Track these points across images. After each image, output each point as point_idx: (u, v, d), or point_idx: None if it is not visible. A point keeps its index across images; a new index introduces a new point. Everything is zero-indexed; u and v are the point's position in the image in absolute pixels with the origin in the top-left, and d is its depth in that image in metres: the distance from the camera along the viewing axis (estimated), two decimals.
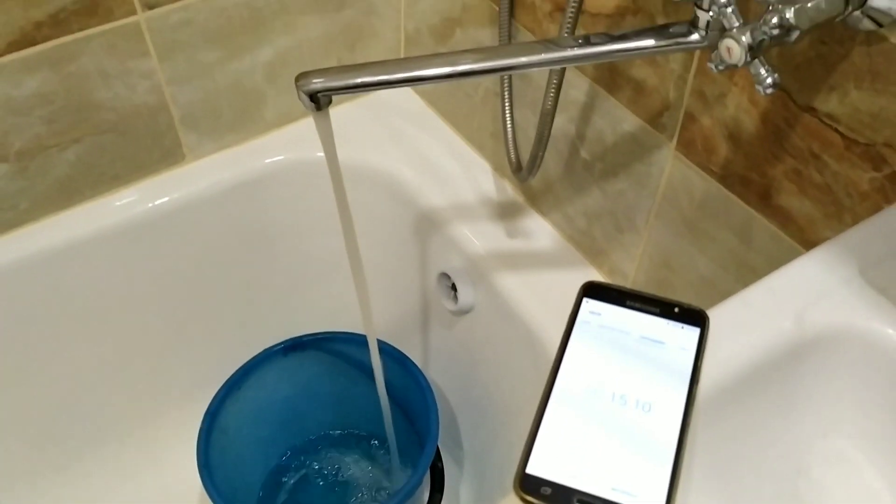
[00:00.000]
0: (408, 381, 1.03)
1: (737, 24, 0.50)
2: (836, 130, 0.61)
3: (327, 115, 0.65)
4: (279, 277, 1.16)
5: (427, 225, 1.04)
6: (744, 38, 0.49)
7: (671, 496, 0.39)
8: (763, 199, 0.70)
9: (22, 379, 1.03)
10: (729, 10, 0.50)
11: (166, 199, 1.03)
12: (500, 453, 1.07)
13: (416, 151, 1.08)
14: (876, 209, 0.60)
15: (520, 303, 0.94)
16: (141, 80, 0.95)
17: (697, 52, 0.70)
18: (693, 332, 0.47)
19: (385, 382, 0.96)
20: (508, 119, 0.91)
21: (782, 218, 0.69)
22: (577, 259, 0.97)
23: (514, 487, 0.39)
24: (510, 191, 1.04)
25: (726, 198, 0.74)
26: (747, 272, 0.76)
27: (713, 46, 0.60)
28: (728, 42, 0.50)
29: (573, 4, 0.66)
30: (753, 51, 0.49)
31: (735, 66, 0.50)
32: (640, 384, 0.45)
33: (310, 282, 1.18)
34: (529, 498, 0.39)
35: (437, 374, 1.15)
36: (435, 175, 1.05)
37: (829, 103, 0.60)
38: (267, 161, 1.08)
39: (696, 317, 0.47)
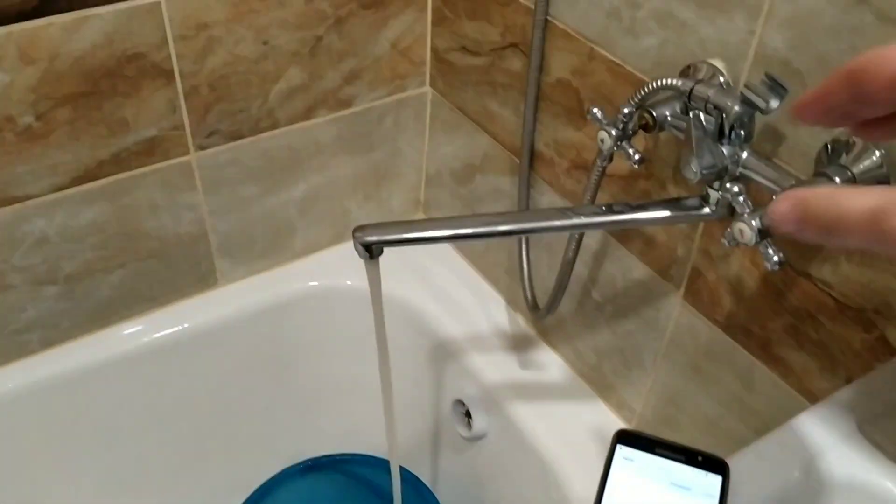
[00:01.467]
0: None
1: (747, 210, 0.59)
2: (830, 295, 0.69)
3: (377, 263, 0.72)
4: (297, 398, 1.21)
5: (443, 353, 1.10)
6: (754, 223, 0.57)
7: None
8: (764, 349, 0.78)
9: (46, 490, 1.06)
10: (741, 198, 0.59)
11: (197, 321, 1.09)
12: None
13: (433, 283, 1.15)
14: (867, 367, 0.68)
15: (531, 432, 1.00)
16: (186, 212, 1.03)
17: None
18: (716, 480, 0.53)
19: None
20: (525, 261, 0.99)
21: (782, 367, 0.77)
22: (587, 392, 1.03)
23: None
24: (522, 324, 1.11)
25: (730, 345, 0.81)
26: (749, 414, 0.82)
27: (721, 219, 0.68)
28: (740, 226, 0.58)
29: (597, 172, 0.76)
30: (762, 234, 0.58)
31: (746, 245, 0.58)
32: None
33: (326, 403, 1.22)
34: None
35: (447, 497, 1.18)
36: (452, 306, 1.13)
37: (822, 271, 0.69)
38: (293, 287, 1.15)
39: (718, 465, 0.54)
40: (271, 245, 1.14)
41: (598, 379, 1.02)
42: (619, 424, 1.00)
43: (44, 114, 0.86)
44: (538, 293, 1.03)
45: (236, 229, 1.09)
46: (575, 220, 0.69)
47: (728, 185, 0.61)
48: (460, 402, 1.08)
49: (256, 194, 1.07)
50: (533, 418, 1.01)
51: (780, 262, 0.58)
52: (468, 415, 1.07)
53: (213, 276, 1.11)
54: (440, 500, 1.09)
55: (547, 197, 0.98)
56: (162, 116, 0.94)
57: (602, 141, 0.68)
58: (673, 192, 0.81)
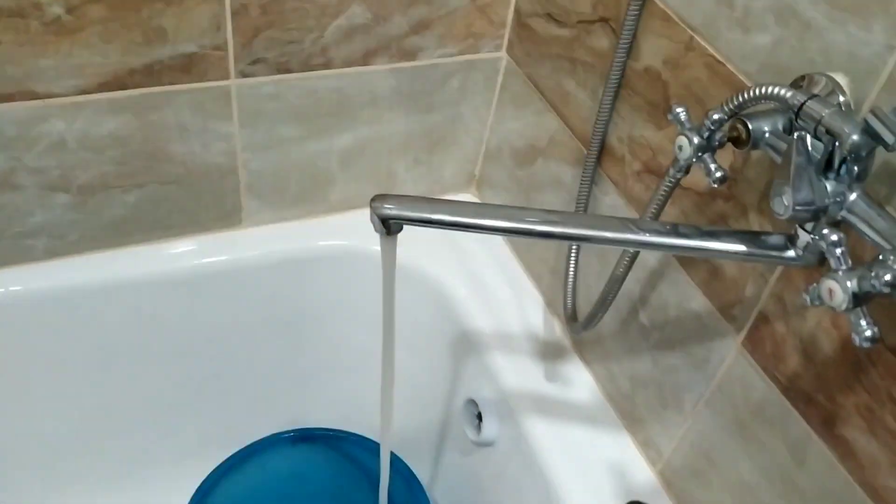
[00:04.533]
0: (410, 502, 0.98)
1: (843, 267, 0.47)
2: None
3: (395, 241, 0.63)
4: (303, 362, 1.13)
5: (466, 346, 1.00)
6: (849, 285, 0.45)
7: None
8: (826, 424, 0.65)
9: (30, 401, 1.01)
10: (838, 249, 0.47)
11: (214, 259, 1.02)
12: None
13: (470, 267, 1.05)
14: None
15: (543, 450, 0.90)
16: (217, 141, 0.95)
17: None
18: None
19: (388, 498, 0.92)
20: (572, 265, 0.88)
21: (843, 449, 0.64)
22: (613, 420, 0.92)
23: None
24: (557, 330, 1.00)
25: (786, 410, 0.69)
26: (792, 491, 0.71)
27: (807, 266, 0.56)
28: (831, 284, 0.46)
29: (668, 184, 0.64)
30: (857, 300, 0.46)
31: (835, 309, 0.47)
32: None
33: (332, 373, 1.14)
34: None
35: (442, 496, 1.09)
36: (485, 296, 1.02)
37: None
38: (321, 243, 1.06)
39: None
40: (305, 193, 1.05)
41: (629, 409, 0.91)
42: (643, 463, 0.89)
43: (76, 7, 0.78)
44: (580, 303, 0.92)
45: (270, 170, 1.00)
46: (627, 236, 0.57)
47: (825, 231, 0.49)
48: (473, 403, 0.99)
49: (297, 136, 0.98)
50: (549, 437, 0.90)
51: (872, 339, 0.46)
52: (479, 417, 0.98)
53: (238, 215, 1.03)
54: (433, 499, 1.00)
55: (610, 198, 0.87)
56: (204, 33, 0.85)
57: (680, 148, 0.56)
58: (755, 222, 0.69)
